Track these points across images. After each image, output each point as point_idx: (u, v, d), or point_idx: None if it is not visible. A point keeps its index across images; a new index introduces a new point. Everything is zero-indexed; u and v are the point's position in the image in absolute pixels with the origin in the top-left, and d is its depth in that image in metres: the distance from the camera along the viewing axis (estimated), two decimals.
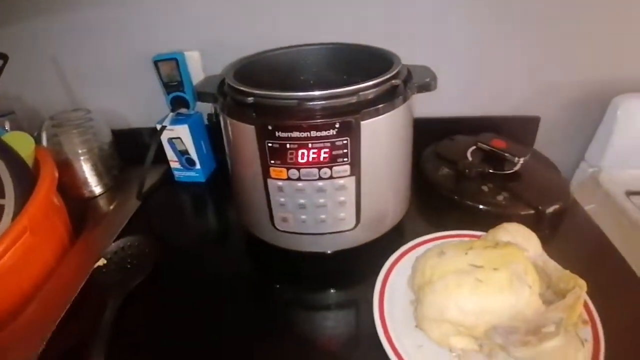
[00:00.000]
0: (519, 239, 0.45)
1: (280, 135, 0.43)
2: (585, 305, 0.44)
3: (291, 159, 0.44)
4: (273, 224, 0.51)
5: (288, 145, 0.44)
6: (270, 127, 0.43)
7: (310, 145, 0.43)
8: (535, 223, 0.58)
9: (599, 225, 0.61)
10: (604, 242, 0.58)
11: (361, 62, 0.57)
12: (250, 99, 0.44)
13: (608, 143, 0.75)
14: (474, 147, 0.69)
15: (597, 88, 0.78)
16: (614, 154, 0.76)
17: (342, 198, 0.47)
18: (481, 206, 0.60)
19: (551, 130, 0.81)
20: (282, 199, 0.48)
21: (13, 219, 0.52)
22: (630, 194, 0.70)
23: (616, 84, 0.76)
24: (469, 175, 0.63)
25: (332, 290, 0.54)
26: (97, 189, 0.79)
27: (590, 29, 0.72)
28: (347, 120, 0.42)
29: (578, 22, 0.71)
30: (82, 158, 0.75)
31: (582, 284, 0.42)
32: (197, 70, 0.75)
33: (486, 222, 0.52)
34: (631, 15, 0.70)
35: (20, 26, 0.78)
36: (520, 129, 0.80)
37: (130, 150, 0.81)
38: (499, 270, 0.39)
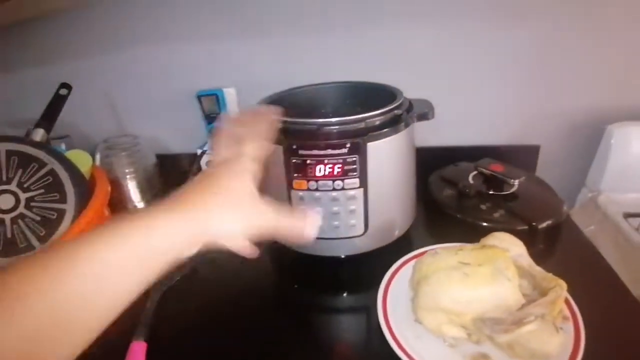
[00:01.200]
0: (506, 244, 0.52)
1: (303, 153, 0.53)
2: (568, 304, 0.49)
3: (311, 172, 0.54)
4: None
5: (308, 161, 0.53)
6: (295, 147, 0.53)
7: (326, 161, 0.53)
8: (530, 238, 0.63)
9: (593, 243, 0.65)
10: (599, 261, 0.62)
11: (371, 96, 0.65)
12: (280, 125, 0.54)
13: (605, 169, 0.80)
14: (475, 172, 0.76)
15: (594, 116, 0.83)
16: (612, 179, 0.80)
17: (352, 207, 0.56)
18: (479, 222, 0.67)
19: (552, 158, 0.87)
20: (302, 207, 0.57)
21: (72, 222, 0.61)
22: (628, 215, 0.74)
23: (611, 112, 0.82)
24: (469, 195, 0.70)
25: (344, 293, 0.61)
26: (140, 205, 0.89)
27: (585, 59, 0.79)
28: (355, 141, 0.52)
29: (574, 52, 0.78)
30: (128, 177, 0.86)
31: (562, 283, 0.48)
32: (233, 104, 0.86)
33: (483, 236, 0.56)
34: (625, 46, 0.77)
35: (80, 61, 0.91)
36: (522, 157, 0.86)
37: (171, 172, 0.92)
38: (483, 266, 0.46)
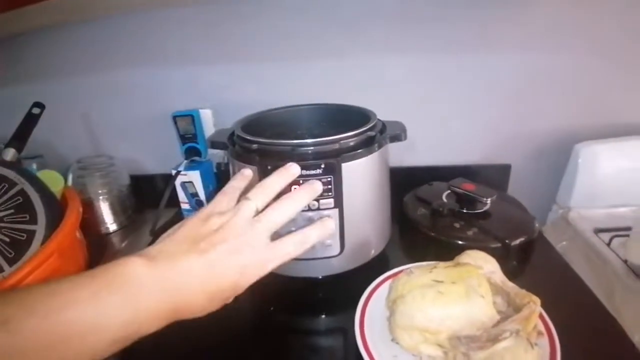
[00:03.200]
0: (479, 262, 0.53)
1: None
2: (543, 319, 0.50)
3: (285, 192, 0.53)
4: None
5: None
6: (269, 167, 0.53)
7: (301, 182, 0.52)
8: (503, 255, 0.64)
9: (568, 262, 0.67)
10: (571, 275, 0.63)
11: (345, 118, 0.67)
12: (255, 146, 0.55)
13: (574, 186, 0.83)
14: (448, 191, 0.78)
15: (561, 136, 0.87)
16: (581, 196, 0.83)
17: None
18: (453, 240, 0.68)
19: (522, 176, 0.91)
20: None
21: (42, 243, 0.59)
22: (598, 231, 0.76)
23: (579, 132, 0.85)
24: (443, 214, 0.71)
25: (321, 314, 0.60)
26: (113, 227, 0.87)
27: (553, 81, 0.83)
28: (330, 162, 0.53)
29: (542, 76, 0.82)
30: (101, 198, 0.85)
31: (536, 299, 0.49)
32: (209, 124, 0.86)
33: (458, 254, 0.57)
34: (589, 67, 0.81)
35: (57, 81, 0.90)
36: (494, 176, 0.90)
37: (145, 193, 0.91)
38: (456, 284, 0.47)
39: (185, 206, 0.87)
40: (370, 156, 0.56)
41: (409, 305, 0.47)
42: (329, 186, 0.54)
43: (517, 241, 0.66)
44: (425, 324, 0.46)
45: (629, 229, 0.74)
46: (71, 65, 0.89)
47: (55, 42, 0.87)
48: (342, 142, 0.54)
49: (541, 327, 0.50)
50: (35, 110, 0.75)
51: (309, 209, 0.55)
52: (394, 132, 0.60)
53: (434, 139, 0.88)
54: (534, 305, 0.48)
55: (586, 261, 0.74)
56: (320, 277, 0.61)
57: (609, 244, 0.72)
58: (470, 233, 0.68)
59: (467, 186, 0.73)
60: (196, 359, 0.53)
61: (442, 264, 0.52)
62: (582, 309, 0.57)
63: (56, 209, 0.65)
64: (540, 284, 0.56)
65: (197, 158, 0.85)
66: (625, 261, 0.68)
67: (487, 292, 0.47)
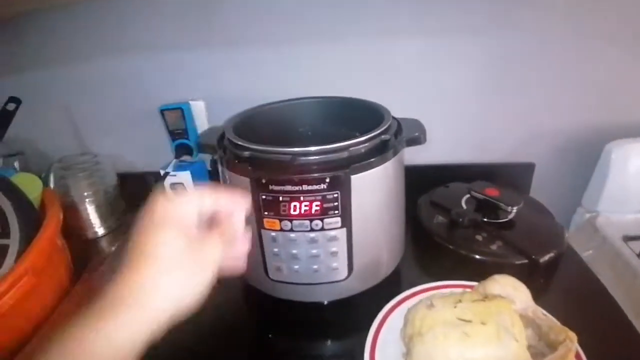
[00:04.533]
0: (508, 290, 0.46)
1: (274, 189, 0.45)
2: (578, 357, 0.43)
3: (284, 211, 0.46)
4: (267, 274, 0.52)
5: (281, 198, 0.46)
6: (264, 180, 0.45)
7: (302, 198, 0.45)
8: (530, 272, 0.58)
9: (595, 272, 0.61)
10: (599, 291, 0.58)
11: (355, 114, 0.59)
12: (247, 153, 0.47)
13: (603, 188, 0.76)
14: (468, 196, 0.70)
15: (591, 134, 0.80)
16: (610, 199, 0.76)
17: (334, 249, 0.49)
18: (475, 255, 0.61)
19: (546, 176, 0.83)
20: (275, 249, 0.49)
21: (16, 259, 0.53)
22: (627, 239, 0.70)
23: (609, 129, 0.78)
24: (463, 224, 0.64)
25: (326, 341, 0.54)
26: (101, 230, 0.81)
27: (583, 75, 0.75)
28: (337, 175, 0.45)
29: (570, 68, 0.74)
30: (87, 200, 0.78)
31: (573, 336, 0.42)
32: (202, 118, 0.79)
33: (480, 271, 0.52)
34: (623, 62, 0.73)
35: (35, 73, 0.83)
36: (516, 176, 0.82)
37: (135, 193, 0.83)
38: (486, 325, 0.40)
39: None
40: (384, 165, 0.48)
41: (428, 346, 0.40)
42: (336, 203, 0.46)
43: (546, 257, 0.59)
44: None
45: None
46: (48, 55, 0.81)
47: (29, 31, 0.79)
48: (351, 149, 0.45)
49: None
50: (10, 106, 0.70)
51: (312, 229, 0.47)
52: (412, 135, 0.52)
53: (451, 135, 0.80)
54: (571, 343, 0.42)
55: (615, 272, 0.67)
56: (325, 302, 0.54)
57: (639, 255, 0.66)
58: (493, 247, 0.61)
59: (491, 191, 0.66)
60: None
61: (467, 295, 0.45)
62: (612, 333, 0.51)
63: (32, 219, 0.59)
64: (567, 304, 0.53)
65: (187, 157, 0.77)
66: None
67: (520, 333, 0.40)
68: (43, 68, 0.82)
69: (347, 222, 0.47)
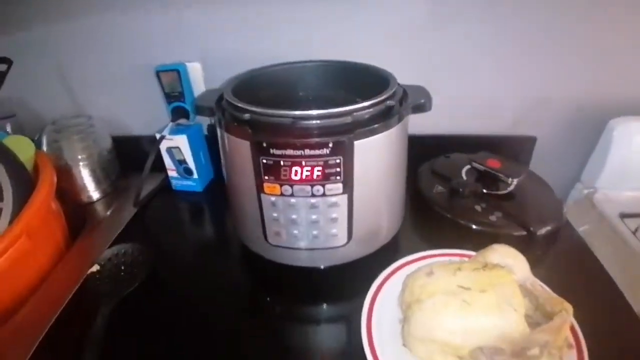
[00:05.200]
0: (508, 260, 0.46)
1: (275, 152, 0.44)
2: (572, 329, 0.44)
3: (285, 175, 0.45)
4: (266, 238, 0.52)
5: (282, 162, 0.45)
6: (265, 144, 0.44)
7: (303, 163, 0.44)
8: (527, 244, 0.58)
9: (591, 248, 0.61)
10: (595, 266, 0.58)
11: (358, 79, 0.58)
12: (247, 116, 0.45)
13: (604, 165, 0.75)
14: (468, 166, 0.69)
15: (593, 109, 0.78)
16: (610, 176, 0.76)
17: (334, 215, 0.48)
18: (474, 225, 0.61)
19: (547, 150, 0.82)
20: (275, 214, 0.49)
21: (10, 222, 0.53)
22: (624, 216, 0.70)
23: (612, 105, 0.76)
24: (463, 194, 0.63)
25: (323, 306, 0.54)
26: (95, 195, 0.79)
27: (589, 48, 0.72)
28: (340, 140, 0.43)
29: (577, 40, 0.72)
30: (81, 164, 0.76)
31: (569, 307, 0.42)
32: (199, 81, 0.76)
33: (478, 241, 0.52)
34: (629, 37, 0.71)
35: (26, 32, 0.79)
36: (517, 148, 0.81)
37: (130, 157, 0.82)
38: (486, 293, 0.40)
39: (172, 173, 0.78)
40: (388, 131, 0.47)
41: (427, 314, 0.41)
42: (338, 169, 0.45)
43: (544, 230, 0.59)
44: (446, 338, 0.39)
45: None
46: (40, 14, 0.77)
47: None
48: (355, 114, 0.44)
49: (570, 339, 0.43)
50: (1, 67, 0.66)
51: (313, 195, 0.46)
52: (417, 101, 0.50)
53: (452, 104, 0.77)
54: (566, 314, 0.42)
55: (611, 248, 0.67)
56: (322, 267, 0.54)
57: (635, 232, 0.66)
58: (492, 218, 0.60)
59: (492, 163, 0.65)
60: (190, 349, 0.48)
61: (467, 264, 0.45)
62: (606, 306, 0.52)
63: (26, 181, 0.58)
64: (563, 276, 0.53)
65: (183, 121, 0.75)
66: None
67: (520, 304, 0.40)
68: (35, 27, 0.79)
69: (348, 189, 0.46)
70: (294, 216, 0.48)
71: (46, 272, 0.59)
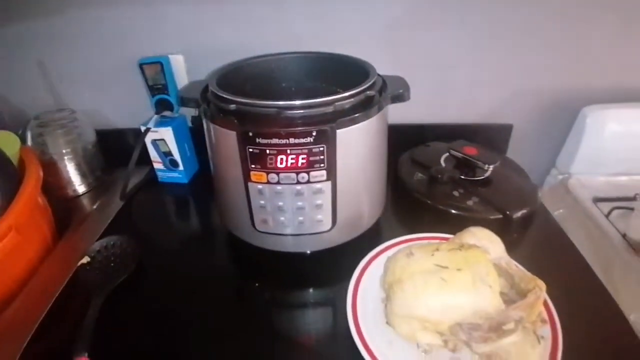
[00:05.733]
0: (484, 242, 0.48)
1: (261, 142, 0.46)
2: (546, 306, 0.47)
3: (271, 164, 0.47)
4: (253, 225, 0.54)
5: (268, 151, 0.46)
6: (251, 134, 0.45)
7: (288, 152, 0.46)
8: (504, 227, 0.61)
9: (565, 231, 0.64)
10: (569, 248, 0.61)
11: (339, 70, 0.59)
12: (233, 106, 0.46)
13: (577, 151, 0.78)
14: (447, 154, 0.72)
15: (567, 97, 0.81)
16: (583, 162, 0.79)
17: (319, 201, 0.50)
18: (452, 210, 0.63)
19: (523, 138, 0.85)
20: (262, 202, 0.50)
21: None
22: (597, 200, 0.73)
23: (585, 93, 0.79)
24: (441, 181, 0.66)
25: (310, 289, 0.56)
26: (81, 189, 0.80)
27: (563, 38, 0.75)
28: (323, 129, 0.45)
29: (551, 31, 0.74)
30: (66, 158, 0.76)
31: (542, 284, 0.45)
32: (182, 73, 0.76)
33: (457, 225, 0.54)
34: (598, 26, 0.73)
35: (6, 27, 0.78)
36: (494, 136, 0.84)
37: (114, 150, 0.82)
38: (462, 271, 0.42)
39: (158, 166, 0.79)
40: (368, 120, 0.48)
41: (408, 293, 0.43)
42: (321, 157, 0.47)
43: (519, 213, 0.62)
44: (425, 314, 0.42)
45: (629, 199, 0.71)
46: (20, 8, 0.76)
47: None
48: (337, 104, 0.46)
49: (544, 315, 0.46)
50: None
51: (298, 182, 0.48)
52: (396, 92, 0.52)
53: (432, 94, 0.80)
54: (540, 291, 0.45)
55: (584, 232, 0.70)
56: (308, 252, 0.56)
57: (607, 215, 0.69)
58: (470, 203, 0.63)
59: (469, 150, 0.68)
60: (178, 335, 0.49)
61: (445, 245, 0.47)
62: (580, 286, 0.54)
63: (12, 176, 0.59)
64: (538, 258, 0.55)
65: (168, 113, 0.76)
66: (624, 235, 0.64)
67: (494, 281, 0.42)
68: (15, 22, 0.77)
69: (332, 176, 0.48)
70: (280, 203, 0.50)
71: (35, 266, 0.59)
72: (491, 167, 0.66)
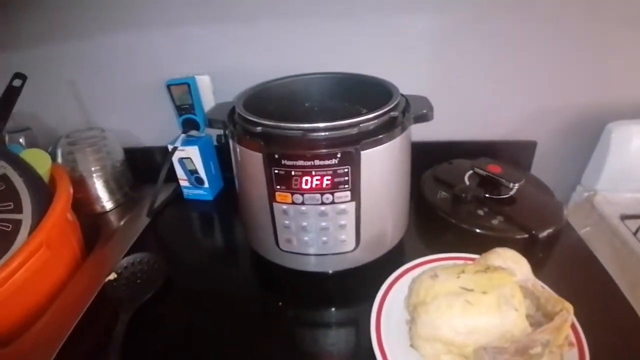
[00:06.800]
0: (510, 263, 0.48)
1: (286, 163, 0.47)
2: (573, 328, 0.45)
3: (296, 185, 0.48)
4: (277, 245, 0.54)
5: (293, 173, 0.47)
6: (277, 156, 0.47)
7: (313, 173, 0.46)
8: (529, 247, 0.60)
9: (592, 250, 0.63)
10: (596, 266, 0.59)
11: (362, 91, 0.60)
12: (259, 129, 0.47)
13: (603, 168, 0.77)
14: (471, 172, 0.71)
15: (592, 113, 0.80)
16: (609, 178, 0.77)
17: (342, 222, 0.50)
18: (477, 230, 0.62)
19: (548, 154, 0.84)
20: (286, 222, 0.51)
21: (30, 233, 0.54)
22: (624, 217, 0.71)
23: (610, 109, 0.78)
24: (466, 200, 0.65)
25: (332, 309, 0.56)
26: (109, 205, 0.82)
27: (586, 54, 0.74)
28: (348, 150, 0.46)
29: (575, 47, 0.73)
30: (95, 175, 0.79)
31: (569, 307, 0.44)
32: (208, 93, 0.78)
33: (481, 245, 0.54)
34: (622, 41, 0.72)
35: (39, 49, 0.82)
36: (518, 153, 0.83)
37: (142, 167, 0.85)
38: (487, 294, 0.42)
39: (184, 183, 0.81)
40: (392, 141, 0.49)
41: (432, 315, 0.42)
42: (346, 178, 0.47)
43: (545, 232, 0.61)
44: (450, 337, 0.41)
45: None
46: (54, 30, 0.80)
47: (34, 5, 0.77)
48: (361, 125, 0.46)
49: (572, 338, 0.45)
50: (17, 83, 0.69)
51: (322, 203, 0.48)
52: (420, 112, 0.52)
53: (455, 111, 0.79)
54: (567, 313, 0.44)
55: (611, 249, 0.69)
56: (330, 271, 0.56)
57: (635, 233, 0.67)
58: (495, 222, 0.62)
59: (493, 168, 0.67)
60: (204, 351, 0.50)
61: (470, 267, 0.47)
62: (607, 306, 0.53)
63: (44, 193, 0.60)
64: (564, 277, 0.54)
65: (194, 132, 0.78)
66: None
67: (520, 303, 0.42)
68: (49, 43, 0.81)
69: (356, 196, 0.49)
70: (304, 223, 0.50)
71: (64, 281, 0.61)
72: (516, 186, 0.65)
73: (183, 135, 0.76)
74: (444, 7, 0.71)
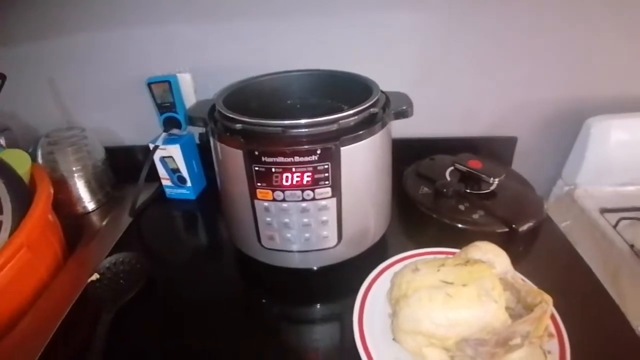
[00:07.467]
0: (490, 256, 0.48)
1: (266, 160, 0.47)
2: (553, 319, 0.46)
3: (276, 181, 0.48)
4: (260, 242, 0.54)
5: (273, 169, 0.47)
6: (257, 153, 0.46)
7: (294, 170, 0.46)
8: (510, 240, 0.61)
9: (572, 243, 0.64)
10: (576, 259, 0.60)
11: (343, 87, 0.60)
12: (239, 126, 0.47)
13: (583, 162, 0.78)
14: (452, 168, 0.72)
15: (571, 107, 0.81)
16: (589, 173, 0.79)
17: (324, 218, 0.51)
18: (458, 224, 0.63)
19: (528, 149, 0.85)
20: (268, 219, 0.51)
21: (10, 234, 0.54)
22: (604, 211, 0.73)
23: (589, 104, 0.79)
24: (447, 195, 0.66)
25: (317, 305, 0.56)
26: (91, 205, 0.81)
27: (565, 49, 0.75)
28: (327, 146, 0.46)
29: (553, 42, 0.75)
30: (76, 175, 0.78)
31: (548, 298, 0.45)
32: (189, 90, 0.78)
33: (463, 239, 0.54)
34: (601, 35, 0.74)
35: (17, 48, 0.80)
36: (499, 149, 0.84)
37: (123, 167, 0.84)
38: (467, 286, 0.42)
39: (166, 182, 0.80)
40: (372, 137, 0.49)
41: (414, 308, 0.43)
42: (326, 174, 0.47)
43: (525, 226, 0.62)
44: (432, 330, 0.42)
45: (637, 209, 0.71)
46: (32, 28, 0.79)
47: (9, 4, 0.76)
48: (341, 122, 0.47)
49: (552, 329, 0.46)
50: None
51: (303, 199, 0.49)
52: (399, 108, 0.53)
53: (435, 108, 0.81)
54: (546, 305, 0.44)
55: (591, 242, 0.70)
56: (315, 268, 0.57)
57: (615, 226, 0.69)
58: (475, 216, 0.63)
59: (474, 163, 0.68)
60: (189, 352, 0.50)
61: (450, 260, 0.47)
62: (587, 298, 0.54)
63: (24, 194, 0.59)
64: (545, 270, 0.55)
65: (176, 130, 0.77)
66: (632, 246, 0.64)
67: (500, 295, 0.42)
68: (27, 41, 0.80)
69: (337, 192, 0.49)
70: (286, 220, 0.50)
71: (46, 282, 0.60)
72: (496, 181, 0.66)
73: (164, 133, 0.76)
74: (425, 3, 0.72)
